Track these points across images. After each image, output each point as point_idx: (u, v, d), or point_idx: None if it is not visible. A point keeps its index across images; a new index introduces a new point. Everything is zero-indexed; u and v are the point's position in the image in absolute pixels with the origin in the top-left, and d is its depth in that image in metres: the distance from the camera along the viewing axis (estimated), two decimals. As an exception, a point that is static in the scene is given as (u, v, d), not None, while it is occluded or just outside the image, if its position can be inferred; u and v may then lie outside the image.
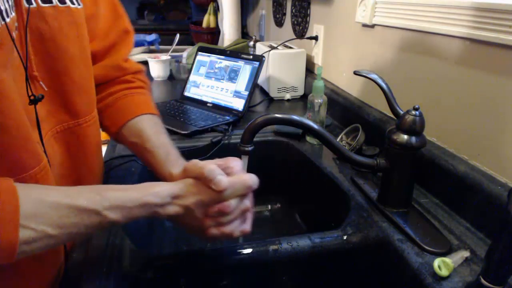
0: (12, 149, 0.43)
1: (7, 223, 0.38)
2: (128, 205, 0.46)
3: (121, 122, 0.65)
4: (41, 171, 0.47)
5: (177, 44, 1.75)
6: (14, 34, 0.43)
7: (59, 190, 0.45)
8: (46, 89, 0.51)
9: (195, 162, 0.52)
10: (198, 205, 0.50)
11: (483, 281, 0.42)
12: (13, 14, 0.44)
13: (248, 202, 0.53)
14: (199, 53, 1.24)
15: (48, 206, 0.42)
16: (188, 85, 1.22)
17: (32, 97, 0.47)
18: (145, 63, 1.59)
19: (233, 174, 0.53)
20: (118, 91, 0.68)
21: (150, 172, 0.64)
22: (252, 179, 0.52)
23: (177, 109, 1.11)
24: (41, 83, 0.50)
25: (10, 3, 0.43)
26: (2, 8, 0.41)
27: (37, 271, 0.51)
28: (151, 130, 0.64)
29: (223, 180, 0.49)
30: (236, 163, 0.55)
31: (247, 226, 0.54)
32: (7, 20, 0.42)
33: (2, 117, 0.41)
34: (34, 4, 0.48)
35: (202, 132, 0.96)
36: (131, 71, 0.71)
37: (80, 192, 0.45)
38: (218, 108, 1.12)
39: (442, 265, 0.50)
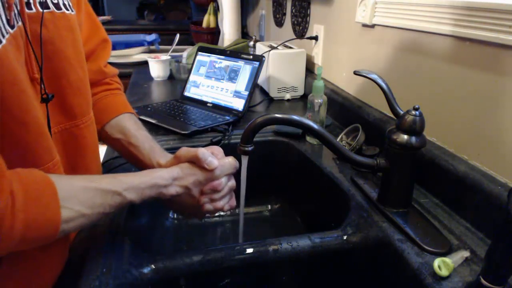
0: (30, 143, 0.47)
1: (50, 204, 0.43)
2: (141, 186, 0.54)
3: (105, 120, 0.72)
4: (54, 166, 0.51)
5: (177, 44, 1.75)
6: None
7: (82, 177, 0.51)
8: (52, 90, 0.54)
9: (187, 148, 0.62)
10: (195, 184, 0.59)
11: (483, 281, 0.42)
12: (20, 19, 0.47)
13: (233, 181, 0.66)
14: (199, 53, 1.24)
15: (78, 189, 0.48)
16: (188, 85, 1.22)
17: (44, 96, 0.52)
18: (145, 63, 1.59)
19: (217, 158, 0.62)
20: (99, 92, 0.75)
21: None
22: (235, 161, 0.64)
23: (177, 109, 1.11)
24: (42, 86, 0.52)
25: (18, 8, 0.47)
26: (16, 11, 0.45)
27: (43, 263, 0.54)
28: (133, 126, 0.71)
29: (214, 160, 0.60)
30: (219, 150, 0.66)
31: (233, 202, 0.67)
32: (19, 24, 0.46)
33: (22, 112, 0.45)
34: (34, 10, 0.50)
35: (202, 132, 0.96)
36: (110, 75, 0.78)
37: (101, 178, 0.52)
38: (218, 108, 1.12)
39: (442, 265, 0.50)
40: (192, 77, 1.22)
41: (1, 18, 0.43)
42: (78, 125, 0.60)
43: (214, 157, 0.61)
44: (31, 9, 0.50)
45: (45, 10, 0.52)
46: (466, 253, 0.52)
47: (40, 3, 0.51)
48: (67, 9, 0.57)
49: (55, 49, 0.54)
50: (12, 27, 0.45)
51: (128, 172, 0.55)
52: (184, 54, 1.61)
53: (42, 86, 0.51)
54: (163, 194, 0.57)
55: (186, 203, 0.61)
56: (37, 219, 0.42)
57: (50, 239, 0.45)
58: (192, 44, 2.17)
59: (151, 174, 0.56)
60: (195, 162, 0.60)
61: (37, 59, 0.50)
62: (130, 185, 0.52)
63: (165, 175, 0.57)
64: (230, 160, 0.63)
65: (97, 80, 0.74)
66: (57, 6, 0.55)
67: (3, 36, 0.42)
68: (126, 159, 0.72)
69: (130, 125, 0.71)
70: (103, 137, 0.73)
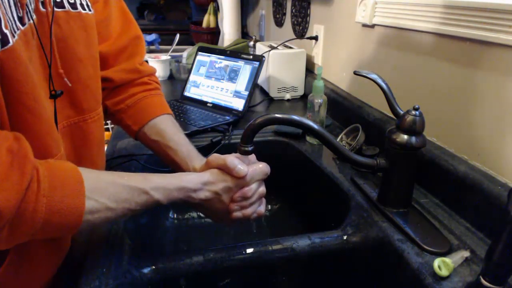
0: (41, 133, 0.48)
1: (75, 193, 0.44)
2: (169, 187, 0.54)
3: (143, 122, 0.72)
4: (61, 158, 0.52)
5: (177, 44, 1.75)
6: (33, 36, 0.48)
7: (111, 173, 0.53)
8: (70, 84, 0.57)
9: (217, 155, 0.61)
10: (225, 191, 0.59)
11: (483, 281, 0.42)
12: (35, 16, 0.49)
13: (263, 188, 0.64)
14: (199, 53, 1.24)
15: (105, 183, 0.49)
16: (188, 85, 1.22)
17: (53, 92, 0.53)
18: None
19: (250, 164, 0.62)
20: (138, 92, 0.74)
21: (149, 171, 0.67)
22: (267, 167, 0.63)
23: (177, 109, 1.11)
24: (65, 79, 0.56)
25: (32, 6, 0.49)
26: (29, 8, 0.47)
27: (45, 257, 0.55)
28: (171, 129, 0.71)
29: (243, 168, 0.59)
30: (251, 155, 0.63)
31: (262, 209, 0.64)
32: (31, 21, 0.48)
33: (35, 105, 0.47)
34: (49, 9, 0.52)
35: (202, 132, 0.96)
36: (147, 73, 0.76)
37: (129, 175, 0.53)
38: (218, 108, 1.12)
39: (442, 265, 0.50)
40: (192, 77, 1.22)
41: (13, 15, 0.44)
42: (86, 119, 0.62)
43: (243, 164, 0.59)
44: (45, 8, 0.51)
45: (60, 9, 0.54)
46: (466, 253, 0.52)
47: (54, 2, 0.52)
48: (84, 9, 0.58)
49: (67, 47, 0.55)
50: (23, 24, 0.46)
51: (156, 173, 0.56)
52: (184, 54, 1.61)
53: (51, 82, 0.53)
54: (192, 198, 0.57)
55: (216, 208, 0.60)
56: (60, 206, 0.43)
57: (73, 228, 0.45)
58: (192, 44, 2.17)
59: (180, 177, 0.57)
60: (224, 169, 0.59)
61: (46, 56, 0.51)
62: (158, 185, 0.53)
63: (195, 179, 0.57)
64: (261, 166, 0.62)
65: (133, 79, 0.74)
66: (73, 5, 0.56)
67: (15, 32, 0.44)
68: (163, 160, 0.72)
69: (168, 128, 0.71)
70: (141, 138, 0.73)
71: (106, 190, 0.48)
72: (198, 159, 0.67)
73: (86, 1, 0.59)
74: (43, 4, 0.51)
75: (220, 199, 0.59)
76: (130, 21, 0.74)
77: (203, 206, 0.60)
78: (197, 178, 0.58)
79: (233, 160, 0.59)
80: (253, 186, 0.61)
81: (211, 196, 0.58)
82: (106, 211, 0.48)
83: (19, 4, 0.45)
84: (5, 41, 0.41)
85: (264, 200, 0.65)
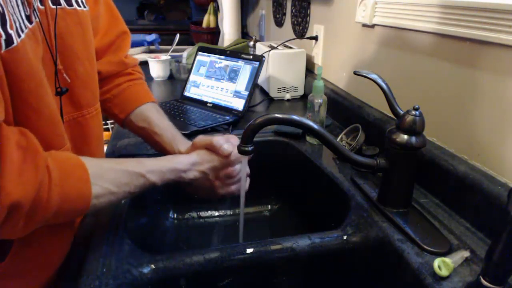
0: (45, 130, 0.50)
1: (82, 180, 0.48)
2: (163, 170, 0.58)
3: (129, 110, 0.76)
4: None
5: (177, 44, 1.75)
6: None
7: (109, 159, 0.57)
8: (69, 80, 0.58)
9: (203, 136, 0.67)
10: (211, 170, 0.64)
11: (483, 281, 0.42)
12: (38, 15, 0.50)
13: (248, 168, 0.68)
14: (199, 53, 1.24)
15: (106, 169, 0.52)
16: (188, 85, 1.22)
17: (59, 89, 0.55)
18: (145, 63, 1.59)
19: (234, 146, 0.65)
20: (122, 82, 0.78)
21: None
22: None
23: (177, 109, 1.11)
24: (64, 75, 0.57)
25: (36, 4, 0.50)
26: (34, 6, 0.48)
27: (52, 243, 0.58)
28: (156, 116, 0.75)
29: (228, 146, 0.63)
30: (235, 138, 0.68)
31: (246, 186, 0.69)
32: (37, 19, 0.49)
33: (39, 103, 0.48)
34: (47, 6, 0.53)
35: (202, 132, 0.96)
36: (131, 66, 0.81)
37: (126, 161, 0.57)
38: (218, 108, 1.12)
39: (442, 265, 0.50)
40: (192, 77, 1.22)
41: (20, 14, 0.45)
42: (84, 115, 0.63)
43: (228, 143, 0.64)
44: (43, 5, 0.52)
45: (56, 6, 0.54)
46: (466, 253, 0.52)
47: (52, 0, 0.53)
48: (79, 6, 0.60)
49: (64, 43, 0.57)
50: (31, 22, 0.47)
51: (148, 157, 0.60)
52: (184, 54, 1.61)
53: (57, 79, 0.55)
54: (182, 178, 0.61)
55: (202, 186, 0.65)
56: (71, 193, 0.46)
57: (82, 212, 0.50)
58: (192, 44, 2.17)
59: (172, 160, 0.62)
60: (211, 149, 0.64)
61: (51, 53, 0.53)
62: (153, 168, 0.57)
63: (184, 160, 0.62)
64: None
65: (119, 71, 0.78)
66: (68, 2, 0.57)
67: (22, 31, 0.45)
68: (150, 145, 0.77)
69: (153, 115, 0.75)
70: (128, 126, 0.78)
71: (108, 176, 0.52)
72: (182, 142, 0.72)
73: None
74: (41, 1, 0.51)
75: (207, 178, 0.64)
76: (116, 17, 0.77)
77: (192, 185, 0.65)
78: (186, 160, 0.62)
79: (218, 140, 0.64)
80: (238, 166, 0.66)
81: (199, 175, 0.63)
82: (109, 195, 0.51)
83: (26, 3, 0.46)
84: (9, 41, 0.42)
85: (248, 178, 0.70)
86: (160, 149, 0.74)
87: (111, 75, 0.77)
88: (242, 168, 0.65)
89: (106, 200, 0.51)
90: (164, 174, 0.58)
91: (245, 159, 0.62)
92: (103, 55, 0.74)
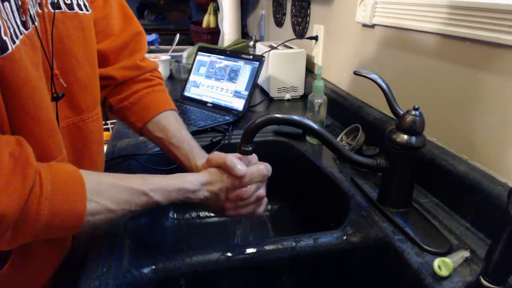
0: (43, 138, 0.49)
1: (77, 196, 0.45)
2: (168, 188, 0.55)
3: (147, 119, 0.72)
4: (62, 160, 0.53)
5: (177, 44, 1.74)
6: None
7: (111, 174, 0.53)
8: (65, 85, 0.56)
9: (218, 153, 0.61)
10: (222, 190, 0.59)
11: (483, 281, 0.42)
12: (37, 19, 0.49)
13: (263, 191, 0.64)
14: (199, 53, 1.24)
15: (106, 185, 0.50)
16: (188, 85, 1.22)
17: (55, 95, 0.54)
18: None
19: (250, 164, 0.61)
20: (140, 89, 0.74)
21: (149, 171, 0.68)
22: (267, 168, 0.62)
23: (177, 109, 1.11)
24: (61, 80, 0.56)
25: (35, 9, 0.49)
26: (31, 12, 0.47)
27: (47, 257, 0.56)
28: (174, 126, 0.72)
29: (242, 168, 0.58)
30: (253, 156, 0.64)
31: (260, 210, 0.65)
32: (35, 24, 0.48)
33: (36, 109, 0.47)
34: (45, 10, 0.52)
35: (202, 132, 0.96)
36: (149, 69, 0.77)
37: (129, 177, 0.53)
38: (218, 108, 1.12)
39: (442, 265, 0.50)
40: (192, 77, 1.22)
41: (15, 20, 0.44)
42: (84, 119, 0.62)
43: (242, 164, 0.59)
44: (42, 9, 0.51)
45: (56, 11, 0.53)
46: (466, 253, 0.52)
47: (51, 3, 0.53)
48: (81, 9, 0.58)
49: (63, 47, 0.56)
50: (27, 28, 0.46)
51: (157, 174, 0.57)
52: (184, 54, 1.61)
53: (53, 84, 0.53)
54: (191, 199, 0.58)
55: (213, 205, 0.61)
56: (62, 208, 0.44)
57: (75, 229, 0.46)
58: (192, 44, 2.17)
59: (179, 178, 0.57)
60: (224, 168, 0.59)
61: (47, 58, 0.52)
62: (157, 186, 0.54)
63: (193, 180, 0.58)
64: (260, 167, 0.61)
65: (135, 75, 0.74)
66: (69, 6, 0.56)
67: (17, 37, 0.44)
68: (167, 156, 0.73)
69: (170, 125, 0.72)
70: (145, 135, 0.74)
71: (107, 192, 0.49)
72: (200, 156, 0.67)
73: (83, 1, 0.59)
74: (40, 5, 0.51)
75: (218, 198, 0.60)
76: (130, 17, 0.74)
77: (202, 204, 0.61)
78: (196, 179, 0.58)
79: (232, 159, 0.59)
80: (251, 187, 0.61)
81: (209, 195, 0.59)
82: (107, 213, 0.49)
83: (21, 10, 0.45)
84: (4, 48, 0.42)
85: (265, 201, 0.65)
86: (177, 161, 0.70)
87: (127, 80, 0.74)
88: (257, 190, 0.62)
89: (102, 217, 0.49)
90: (170, 193, 0.55)
91: (263, 183, 0.62)
92: (117, 58, 0.72)
